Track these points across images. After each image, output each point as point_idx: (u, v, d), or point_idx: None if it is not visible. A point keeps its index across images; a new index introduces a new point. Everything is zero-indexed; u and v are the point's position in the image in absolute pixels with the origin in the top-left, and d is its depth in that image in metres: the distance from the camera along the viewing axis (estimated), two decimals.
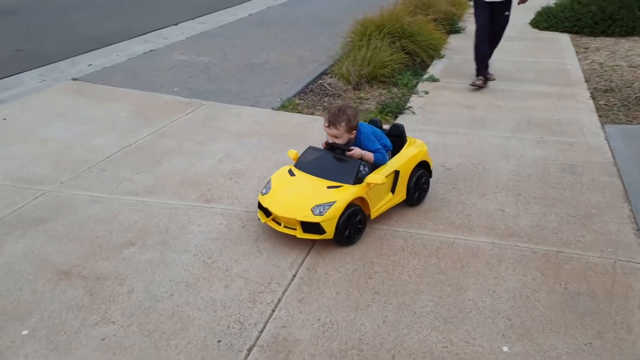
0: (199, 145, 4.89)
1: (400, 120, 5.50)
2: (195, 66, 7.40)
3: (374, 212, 3.54)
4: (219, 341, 2.65)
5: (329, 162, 3.55)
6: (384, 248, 3.39)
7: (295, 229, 3.32)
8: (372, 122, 3.87)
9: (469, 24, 9.21)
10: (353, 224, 3.36)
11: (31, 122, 5.31)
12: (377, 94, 6.38)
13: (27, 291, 2.96)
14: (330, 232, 3.28)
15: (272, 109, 5.82)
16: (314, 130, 5.06)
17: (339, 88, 6.53)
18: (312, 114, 5.75)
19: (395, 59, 6.76)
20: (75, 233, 3.49)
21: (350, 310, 2.86)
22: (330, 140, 3.59)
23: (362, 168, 3.45)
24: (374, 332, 2.72)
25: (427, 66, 7.43)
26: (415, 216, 3.74)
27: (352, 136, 3.58)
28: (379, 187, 3.50)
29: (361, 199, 3.41)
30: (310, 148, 3.68)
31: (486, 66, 6.53)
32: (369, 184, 3.40)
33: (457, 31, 9.47)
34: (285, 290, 3.00)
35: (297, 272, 3.15)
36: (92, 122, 5.34)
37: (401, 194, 3.72)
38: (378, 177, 3.41)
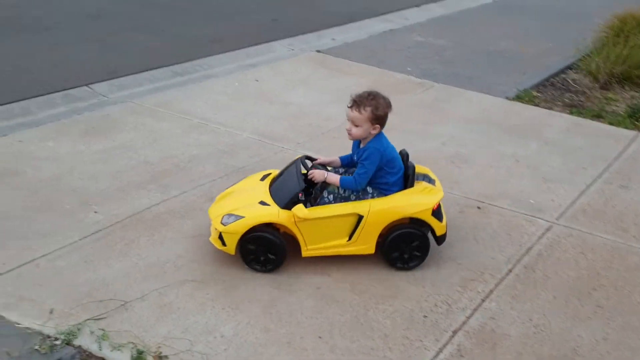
0: (424, 125, 4.92)
1: None
2: (431, 48, 7.41)
3: (310, 251, 2.97)
4: (424, 316, 2.68)
5: (286, 178, 3.10)
6: (615, 262, 3.09)
7: None
8: (400, 153, 3.19)
9: None
10: (260, 249, 2.91)
11: (277, 86, 5.83)
12: (628, 96, 5.76)
13: None
14: (230, 247, 2.91)
15: (506, 98, 5.60)
16: (551, 126, 4.77)
17: (584, 85, 6.03)
18: (550, 108, 5.40)
19: None
20: None
21: (567, 318, 2.68)
22: (347, 128, 3.04)
23: (324, 194, 2.94)
24: (591, 346, 2.51)
25: None
26: None
27: (374, 131, 3.00)
28: (324, 225, 2.91)
29: (287, 227, 2.91)
30: (300, 158, 3.19)
31: None
32: (295, 214, 2.87)
33: None
34: (499, 283, 2.92)
35: (513, 267, 3.04)
36: (328, 92, 5.68)
37: (365, 245, 2.98)
38: (303, 210, 2.85)
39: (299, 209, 2.84)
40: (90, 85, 5.52)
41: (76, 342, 2.45)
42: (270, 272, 2.93)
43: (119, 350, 2.42)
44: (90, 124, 4.67)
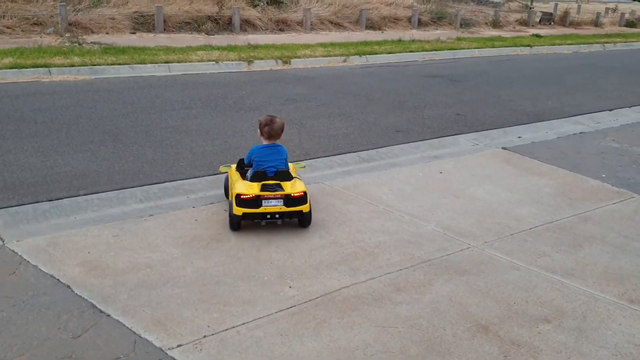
0: (625, 238, 4.57)
1: None
2: (627, 155, 6.97)
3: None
4: None
5: None
6: None
7: None
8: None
9: None
10: None
11: (463, 179, 5.82)
12: None
13: (449, 332, 3.24)
14: None
15: None
16: None
17: None
18: None
19: None
20: (494, 292, 3.66)
21: None
22: None
23: None
24: None
25: None
26: None
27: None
28: None
29: None
30: None
31: None
32: None
33: None
34: None
35: None
36: (516, 191, 5.54)
37: None
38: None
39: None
40: None
41: None
42: None
43: None
44: None
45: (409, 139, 7.22)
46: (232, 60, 11.51)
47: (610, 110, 9.51)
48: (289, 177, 4.35)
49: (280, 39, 14.87)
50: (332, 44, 14.30)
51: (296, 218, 4.31)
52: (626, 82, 12.33)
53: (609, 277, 3.92)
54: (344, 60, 12.81)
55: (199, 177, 5.42)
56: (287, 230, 4.39)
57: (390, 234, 4.43)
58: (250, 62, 11.61)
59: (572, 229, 4.75)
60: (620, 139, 7.67)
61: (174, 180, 5.28)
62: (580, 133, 7.93)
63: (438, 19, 19.57)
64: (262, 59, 11.87)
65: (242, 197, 4.18)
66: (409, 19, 18.93)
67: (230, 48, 12.64)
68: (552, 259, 4.18)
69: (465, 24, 19.80)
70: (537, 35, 18.95)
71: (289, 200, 4.21)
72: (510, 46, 16.34)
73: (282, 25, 16.51)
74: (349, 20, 17.76)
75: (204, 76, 10.29)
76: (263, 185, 4.24)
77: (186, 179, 5.35)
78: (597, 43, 18.73)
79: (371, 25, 17.96)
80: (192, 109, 7.81)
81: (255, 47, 13.18)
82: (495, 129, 7.96)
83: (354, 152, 6.51)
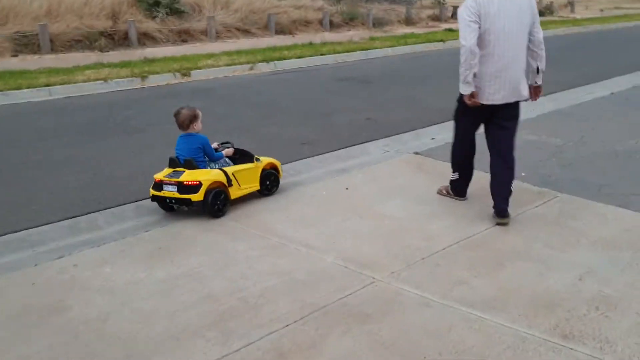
0: (552, 250, 3.99)
1: None
2: (546, 148, 6.51)
3: None
4: None
5: None
6: None
7: None
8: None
9: None
10: None
11: (370, 194, 5.14)
12: None
13: None
14: None
15: None
16: None
17: None
18: None
19: None
20: (401, 344, 2.94)
21: None
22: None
23: None
24: None
25: None
26: None
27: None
28: None
29: None
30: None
31: None
32: None
33: None
34: None
35: None
36: (429, 203, 4.91)
37: None
38: None
39: None
40: None
41: None
42: None
43: None
44: (158, 242, 4.16)
45: (314, 152, 6.48)
46: (124, 77, 10.49)
47: (525, 100, 9.13)
48: (194, 166, 4.61)
49: (182, 50, 13.93)
50: (238, 52, 13.49)
51: (189, 205, 4.54)
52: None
53: (537, 305, 3.29)
54: (251, 68, 12.02)
55: (53, 222, 4.46)
56: (151, 285, 3.54)
57: (281, 276, 3.65)
58: (144, 77, 10.63)
59: (491, 243, 4.13)
60: (538, 131, 7.23)
61: (18, 231, 4.30)
62: None
63: (350, 20, 19.12)
64: (158, 73, 10.90)
65: (155, 180, 4.62)
66: (321, 22, 18.37)
67: (123, 64, 11.60)
68: (470, 286, 3.52)
69: (378, 23, 19.45)
70: (450, 30, 18.79)
71: (181, 187, 4.49)
72: (424, 42, 16.03)
73: (184, 36, 15.55)
74: (257, 26, 16.99)
75: (89, 98, 9.24)
76: (174, 172, 4.61)
77: (36, 226, 4.39)
78: None
79: (281, 30, 17.26)
80: (64, 137, 6.78)
81: (152, 61, 12.19)
82: (408, 131, 7.36)
83: None
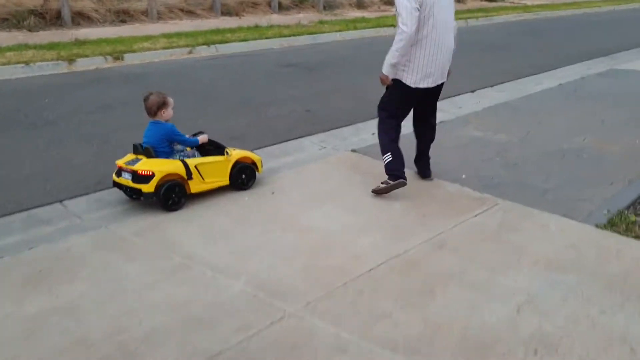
0: (489, 272, 3.57)
1: None
2: (490, 146, 6.13)
3: None
4: None
5: None
6: None
7: None
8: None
9: None
10: None
11: (298, 200, 4.64)
12: None
13: None
14: None
15: (596, 225, 4.20)
16: None
17: None
18: None
19: None
20: None
21: None
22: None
23: None
24: None
25: None
26: None
27: None
28: None
29: None
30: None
31: None
32: None
33: None
34: None
35: None
36: (361, 212, 4.44)
37: None
38: None
39: None
40: (64, 202, 4.50)
41: None
42: None
43: None
44: (39, 264, 3.56)
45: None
46: (49, 61, 9.65)
47: (472, 91, 8.77)
48: (152, 155, 4.40)
49: (119, 31, 13.04)
50: (178, 34, 12.70)
51: (142, 196, 4.30)
52: (489, 59, 11.81)
53: (469, 347, 2.85)
54: (190, 52, 11.30)
55: None
56: (17, 323, 2.96)
57: (175, 311, 3.11)
58: (72, 61, 9.80)
59: (423, 263, 3.68)
60: (483, 126, 6.84)
61: None
62: (441, 122, 7.00)
63: (300, 2, 18.42)
64: (87, 56, 10.08)
65: (118, 166, 4.43)
66: (269, 3, 17.62)
67: (51, 46, 10.72)
68: (394, 321, 3.06)
69: (329, 6, 18.81)
70: None
71: (135, 176, 4.27)
72: (374, 27, 15.52)
73: (123, 17, 14.59)
74: (202, 7, 16.14)
75: (5, 84, 8.40)
76: (134, 159, 4.40)
77: None
78: (460, 19, 18.43)
79: (227, 12, 16.46)
80: None
81: (84, 42, 11.33)
82: (348, 125, 6.88)
83: None
